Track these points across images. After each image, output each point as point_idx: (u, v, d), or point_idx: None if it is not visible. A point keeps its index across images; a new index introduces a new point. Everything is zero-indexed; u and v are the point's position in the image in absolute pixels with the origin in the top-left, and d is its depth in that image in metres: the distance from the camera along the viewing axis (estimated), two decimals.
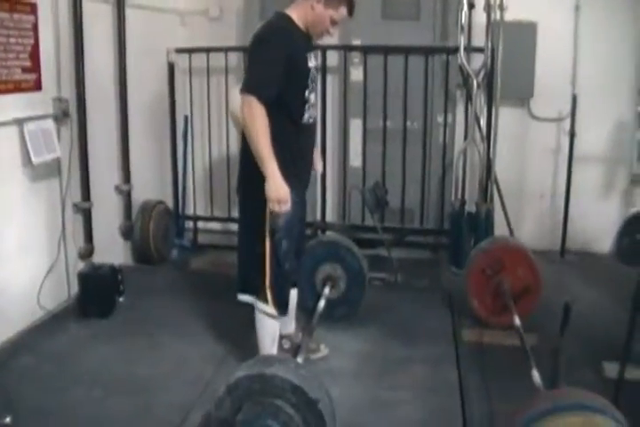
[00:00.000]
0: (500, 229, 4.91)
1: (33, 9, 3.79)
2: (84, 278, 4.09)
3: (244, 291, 3.28)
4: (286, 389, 2.41)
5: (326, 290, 3.77)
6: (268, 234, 3.11)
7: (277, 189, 2.94)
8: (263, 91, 2.96)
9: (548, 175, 5.45)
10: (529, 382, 2.84)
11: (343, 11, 3.19)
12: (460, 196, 5.05)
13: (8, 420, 2.42)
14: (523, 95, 5.34)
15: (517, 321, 3.44)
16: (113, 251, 4.76)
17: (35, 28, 3.82)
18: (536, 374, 2.90)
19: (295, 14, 3.16)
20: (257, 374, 2.46)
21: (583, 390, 2.46)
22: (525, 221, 5.34)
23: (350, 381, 3.36)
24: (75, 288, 4.18)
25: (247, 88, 2.96)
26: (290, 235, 3.16)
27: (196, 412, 2.97)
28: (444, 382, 3.34)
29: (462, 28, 4.82)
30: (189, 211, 5.61)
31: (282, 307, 3.23)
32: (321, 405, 2.40)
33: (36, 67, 3.86)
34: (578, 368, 3.37)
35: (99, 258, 4.44)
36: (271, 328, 3.29)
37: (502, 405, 3.00)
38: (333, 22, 3.20)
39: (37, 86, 3.89)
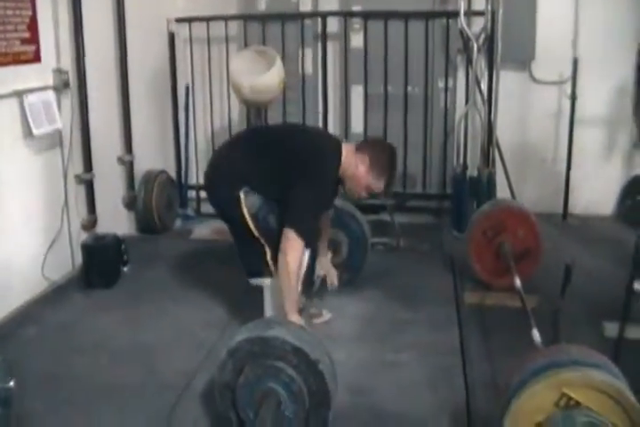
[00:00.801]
0: (502, 193, 4.92)
1: None
2: (87, 249, 4.11)
3: (252, 275, 3.36)
4: (287, 350, 2.43)
5: (329, 255, 3.78)
6: (249, 218, 3.21)
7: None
8: (310, 237, 3.15)
9: (549, 139, 5.42)
10: (529, 342, 2.87)
11: (380, 184, 3.30)
12: (461, 160, 5.06)
13: (12, 384, 2.44)
14: (524, 58, 5.29)
15: (518, 282, 3.46)
16: (116, 221, 4.78)
17: None
18: (536, 334, 2.92)
19: (347, 157, 3.24)
20: (257, 336, 2.48)
21: (581, 346, 2.48)
22: (527, 184, 5.32)
23: (354, 344, 3.39)
24: (79, 259, 4.21)
25: (300, 232, 3.05)
26: (271, 208, 3.24)
27: (200, 377, 3.01)
28: (447, 344, 3.37)
29: None
30: (192, 180, 5.62)
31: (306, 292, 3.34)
32: (321, 365, 2.42)
33: (34, 38, 3.84)
34: (579, 328, 3.39)
35: (102, 229, 4.46)
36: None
37: (503, 363, 3.02)
38: (368, 188, 3.30)
39: (36, 58, 3.88)
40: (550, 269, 3.80)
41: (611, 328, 3.32)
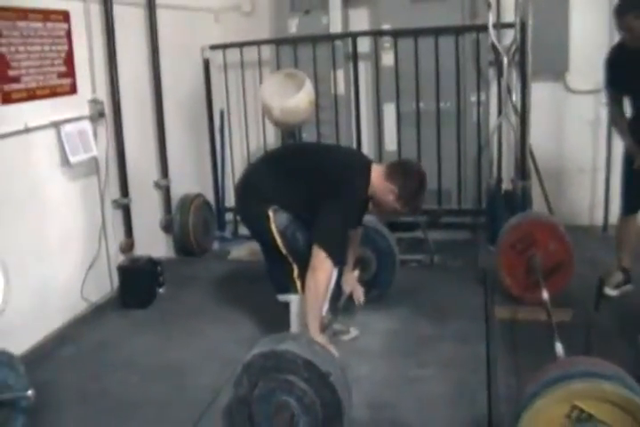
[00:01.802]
0: (538, 206, 4.84)
1: (65, 17, 3.93)
2: (123, 271, 4.22)
3: (279, 291, 3.41)
4: (298, 364, 2.46)
5: (356, 272, 3.78)
6: (278, 235, 3.25)
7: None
8: (339, 256, 3.19)
9: (587, 149, 5.33)
10: (554, 358, 2.80)
11: (407, 209, 3.34)
12: (496, 174, 5.02)
13: (30, 392, 2.54)
14: (557, 69, 5.25)
15: (545, 295, 3.39)
16: (154, 244, 4.89)
17: (68, 34, 3.95)
18: (559, 347, 2.87)
19: (375, 179, 3.28)
20: (269, 351, 2.53)
21: (598, 358, 2.43)
22: (565, 197, 5.24)
23: (378, 359, 3.39)
24: (117, 281, 4.32)
25: (329, 252, 3.08)
26: (299, 226, 3.28)
27: (225, 392, 3.00)
28: (472, 358, 3.33)
29: (490, 4, 4.79)
30: (229, 203, 5.71)
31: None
32: (333, 378, 2.44)
33: (70, 72, 4.00)
34: (613, 343, 3.32)
35: (141, 252, 4.56)
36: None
37: (528, 378, 2.97)
38: (393, 212, 3.34)
39: (73, 90, 4.03)
40: (587, 282, 3.74)
41: None
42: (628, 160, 3.97)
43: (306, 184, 3.29)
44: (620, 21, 3.62)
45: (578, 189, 5.37)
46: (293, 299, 3.33)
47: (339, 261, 3.21)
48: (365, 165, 3.37)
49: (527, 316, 3.73)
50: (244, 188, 3.50)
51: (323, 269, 3.08)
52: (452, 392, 3.03)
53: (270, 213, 3.25)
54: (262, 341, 2.65)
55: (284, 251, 3.28)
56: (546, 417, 2.16)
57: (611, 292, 4.00)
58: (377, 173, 3.29)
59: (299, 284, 3.28)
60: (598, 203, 5.22)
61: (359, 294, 3.72)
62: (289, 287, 3.32)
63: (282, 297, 3.40)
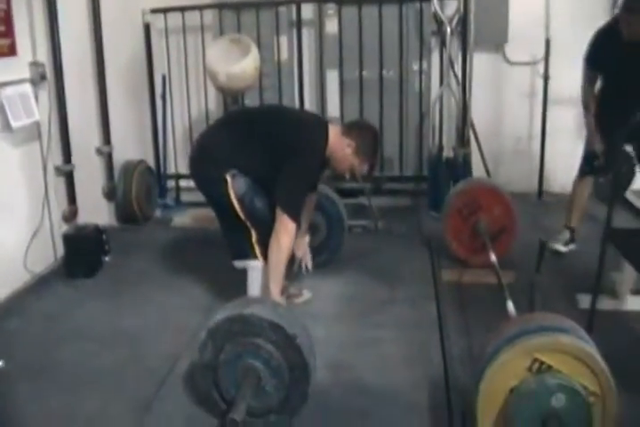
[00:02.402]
0: (478, 173, 5.00)
1: None
2: (68, 240, 4.15)
3: (237, 257, 3.39)
4: (264, 327, 2.47)
5: (307, 237, 3.81)
6: (236, 201, 3.24)
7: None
8: (299, 218, 3.24)
9: (524, 119, 5.49)
10: (506, 316, 2.93)
11: (365, 166, 3.40)
12: (437, 142, 5.12)
13: (1, 363, 2.49)
14: (497, 40, 5.36)
15: (494, 258, 3.53)
16: (97, 212, 4.80)
17: None
18: (510, 306, 3.00)
19: (333, 139, 3.31)
20: (235, 315, 2.53)
21: (550, 314, 2.55)
22: (503, 164, 5.40)
23: (334, 322, 3.45)
24: (61, 250, 4.24)
25: (292, 215, 3.14)
26: (257, 191, 3.28)
27: (184, 360, 3.04)
28: (425, 320, 3.43)
29: None
30: (171, 170, 5.65)
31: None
32: (299, 340, 2.47)
33: (9, 32, 3.84)
34: (554, 301, 3.46)
35: (83, 220, 4.49)
36: (258, 283, 3.35)
37: (480, 337, 3.06)
38: (351, 170, 3.38)
39: (12, 51, 3.87)
40: (527, 246, 3.88)
41: (584, 300, 3.42)
42: None
43: (264, 146, 3.28)
44: (632, 18, 3.67)
45: (515, 157, 5.52)
46: (252, 264, 3.32)
47: (299, 221, 3.25)
48: (322, 123, 3.42)
49: (473, 278, 3.87)
50: (199, 153, 3.45)
51: (286, 232, 3.12)
52: (407, 352, 3.12)
53: (228, 178, 3.23)
54: (226, 305, 2.65)
55: (242, 216, 3.26)
56: (508, 371, 2.24)
57: (561, 248, 4.23)
58: (334, 131, 3.34)
59: (258, 249, 3.28)
60: (534, 171, 5.38)
61: (307, 261, 3.75)
62: (247, 253, 3.31)
63: (239, 263, 3.38)
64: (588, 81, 4.05)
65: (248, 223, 3.27)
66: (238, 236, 3.32)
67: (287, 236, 3.12)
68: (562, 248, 4.22)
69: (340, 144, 3.30)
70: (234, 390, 2.53)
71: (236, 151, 3.29)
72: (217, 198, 3.34)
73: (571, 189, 4.33)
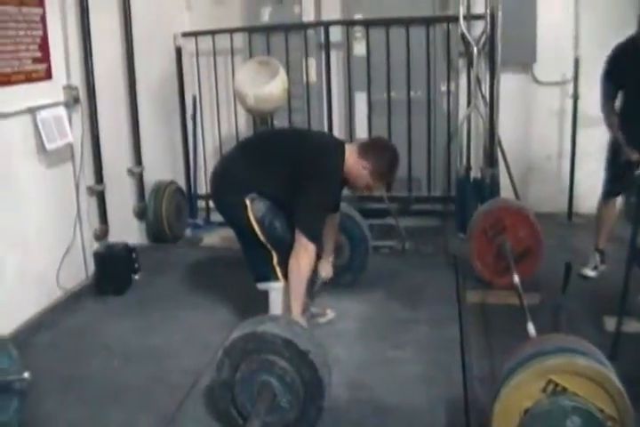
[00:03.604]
0: (506, 193, 4.96)
1: (40, 1, 3.89)
2: (99, 257, 4.23)
3: (259, 280, 3.44)
4: (277, 343, 2.52)
5: (331, 258, 3.84)
6: (255, 224, 3.29)
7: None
8: (320, 241, 3.30)
9: (553, 139, 5.46)
10: (527, 338, 2.91)
11: (381, 184, 3.46)
12: (465, 162, 5.13)
13: (26, 375, 2.55)
14: (525, 60, 5.37)
15: (517, 279, 3.51)
16: (128, 231, 4.89)
17: (43, 19, 3.92)
18: (531, 327, 2.99)
19: (349, 159, 3.36)
20: (249, 333, 2.58)
21: (568, 336, 2.54)
22: (532, 185, 5.37)
23: (355, 341, 3.47)
24: (92, 268, 4.33)
25: (311, 236, 3.18)
26: (276, 213, 3.32)
27: (206, 376, 3.06)
28: (446, 341, 3.43)
29: None
30: (201, 190, 5.72)
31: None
32: (312, 355, 2.50)
33: (45, 57, 3.97)
34: (579, 323, 3.45)
35: (114, 239, 4.58)
36: (279, 303, 3.40)
37: (501, 358, 3.05)
38: (369, 187, 3.45)
39: (48, 76, 4.01)
40: (554, 268, 3.87)
41: (611, 323, 3.37)
42: (613, 149, 4.11)
43: (282, 168, 3.32)
44: None
45: (544, 178, 5.49)
46: (273, 286, 3.37)
47: (319, 244, 3.28)
48: (339, 145, 3.45)
49: (497, 299, 3.86)
50: (219, 177, 3.50)
51: (306, 253, 3.15)
52: (428, 373, 3.13)
53: (247, 202, 3.29)
54: (242, 324, 2.71)
55: (262, 239, 3.31)
56: (523, 392, 2.25)
57: (590, 273, 4.20)
58: (350, 151, 3.37)
59: (279, 270, 3.33)
60: (563, 191, 5.35)
61: (328, 271, 3.76)
62: (269, 275, 3.36)
63: (261, 285, 3.43)
64: (609, 96, 4.03)
65: (268, 245, 3.31)
66: (259, 258, 3.37)
67: (307, 257, 3.16)
68: (590, 273, 4.20)
69: (356, 165, 3.34)
70: (250, 406, 2.57)
71: (255, 175, 3.34)
72: (237, 222, 3.40)
73: (597, 212, 4.29)
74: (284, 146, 3.47)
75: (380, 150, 3.43)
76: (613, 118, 4.03)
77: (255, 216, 3.28)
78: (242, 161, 3.46)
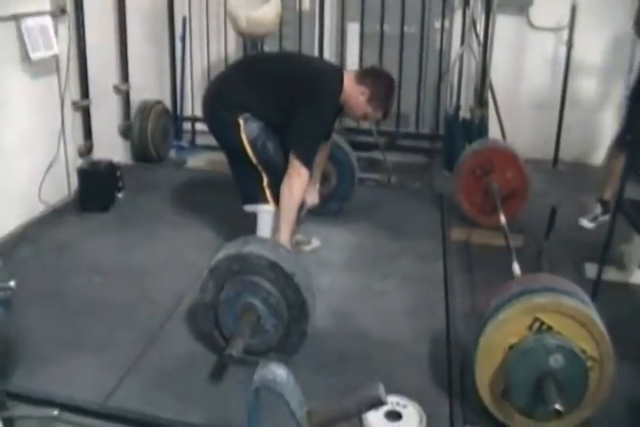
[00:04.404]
0: (494, 135, 4.96)
1: None
2: (83, 174, 4.18)
3: (247, 202, 3.41)
4: (263, 265, 2.52)
5: (317, 185, 3.83)
6: (247, 144, 3.26)
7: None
8: (312, 164, 3.23)
9: (544, 85, 5.40)
10: (511, 276, 2.95)
11: (379, 113, 3.40)
12: (455, 101, 5.11)
13: (12, 283, 2.52)
14: (522, 3, 5.26)
15: (503, 220, 3.54)
16: (112, 149, 4.80)
17: None
18: (516, 267, 3.02)
19: (347, 86, 3.30)
20: (234, 253, 2.58)
21: (557, 276, 2.59)
22: (520, 129, 5.34)
23: (340, 271, 3.51)
24: (75, 184, 4.28)
25: (305, 161, 3.16)
26: (269, 135, 3.29)
27: (190, 296, 3.09)
28: (431, 275, 3.49)
29: None
30: (187, 112, 5.64)
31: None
32: (297, 278, 2.52)
33: None
34: (561, 269, 3.44)
35: (99, 156, 4.52)
36: (268, 226, 3.38)
37: (484, 296, 3.11)
38: (366, 116, 3.39)
39: None
40: (537, 212, 3.90)
41: (591, 269, 3.45)
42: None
43: (278, 91, 3.29)
44: None
45: (532, 124, 5.48)
46: (262, 209, 3.35)
47: (311, 167, 3.26)
48: (337, 71, 3.43)
49: (482, 238, 3.90)
50: (213, 96, 3.44)
51: (299, 177, 3.15)
52: (412, 305, 3.19)
53: (241, 122, 3.24)
54: (227, 245, 2.70)
55: (253, 160, 3.28)
56: (509, 328, 2.30)
57: (587, 224, 4.17)
58: (349, 78, 3.35)
59: (268, 192, 3.31)
60: (550, 138, 5.35)
61: (314, 203, 3.74)
62: (257, 197, 3.34)
63: (249, 207, 3.40)
64: None
65: (259, 167, 3.29)
66: (249, 180, 3.34)
67: (300, 181, 3.15)
68: (588, 224, 4.17)
69: (354, 91, 3.31)
70: (233, 327, 2.58)
71: (251, 95, 3.29)
72: (229, 142, 3.36)
73: (605, 161, 4.23)
74: (282, 69, 3.43)
75: (377, 76, 3.42)
76: None
77: (248, 136, 3.25)
78: (237, 81, 3.41)
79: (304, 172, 3.15)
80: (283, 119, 3.22)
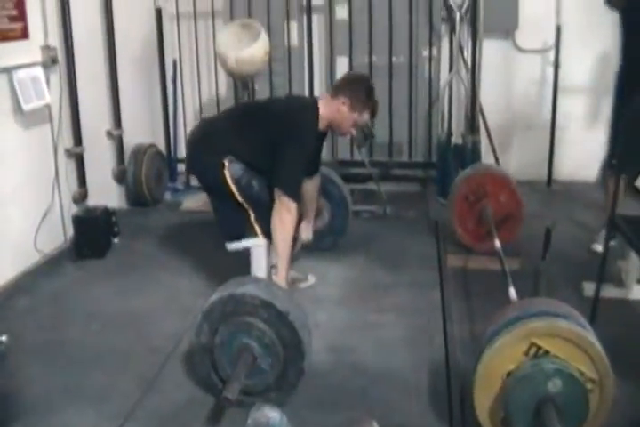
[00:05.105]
0: (487, 160, 4.99)
1: None
2: (78, 221, 4.19)
3: (232, 239, 3.38)
4: (256, 305, 2.50)
5: (311, 221, 3.82)
6: (232, 183, 3.27)
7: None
8: (299, 197, 3.26)
9: (534, 106, 5.46)
10: (508, 302, 2.92)
11: (366, 116, 3.41)
12: (446, 128, 5.13)
13: (4, 338, 2.52)
14: (507, 27, 5.32)
15: (498, 244, 3.53)
16: (107, 195, 4.82)
17: None
18: (512, 292, 3.00)
19: (324, 110, 3.36)
20: (228, 295, 2.56)
21: (551, 299, 2.57)
22: (512, 151, 5.39)
23: (337, 306, 3.49)
24: (70, 231, 4.28)
25: (291, 194, 3.17)
26: (253, 175, 3.31)
27: (187, 339, 3.04)
28: (428, 305, 3.46)
29: None
30: (181, 154, 5.67)
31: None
32: (291, 316, 2.50)
33: (22, 15, 3.87)
34: (559, 289, 3.47)
35: (93, 202, 4.53)
36: (263, 260, 3.37)
37: (482, 322, 3.09)
38: (355, 125, 3.41)
39: (24, 35, 3.91)
40: (533, 233, 3.87)
41: (590, 288, 3.40)
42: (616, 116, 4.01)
43: (260, 134, 3.32)
44: None
45: (524, 145, 5.51)
46: (254, 243, 3.32)
47: (299, 200, 3.27)
48: (311, 102, 3.46)
49: (478, 264, 3.89)
50: (198, 139, 3.49)
51: (288, 211, 3.15)
52: (409, 336, 3.15)
53: (226, 163, 3.27)
54: (221, 287, 2.68)
55: (239, 198, 3.28)
56: (506, 355, 2.27)
57: (598, 248, 4.06)
58: (324, 101, 3.40)
59: (257, 227, 3.30)
60: (543, 159, 5.37)
61: (308, 234, 3.76)
62: (244, 233, 3.33)
63: (234, 245, 3.38)
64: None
65: (245, 204, 3.28)
66: (234, 217, 3.33)
67: (289, 215, 3.16)
68: (599, 248, 4.06)
69: (333, 108, 3.35)
70: (230, 369, 2.56)
71: (235, 139, 3.34)
72: (212, 180, 3.37)
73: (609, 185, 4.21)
74: (261, 111, 3.49)
75: (352, 82, 3.47)
76: None
77: (232, 175, 3.27)
78: (219, 125, 3.49)
79: (292, 205, 3.16)
80: (268, 163, 3.25)
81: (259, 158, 3.31)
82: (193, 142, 3.53)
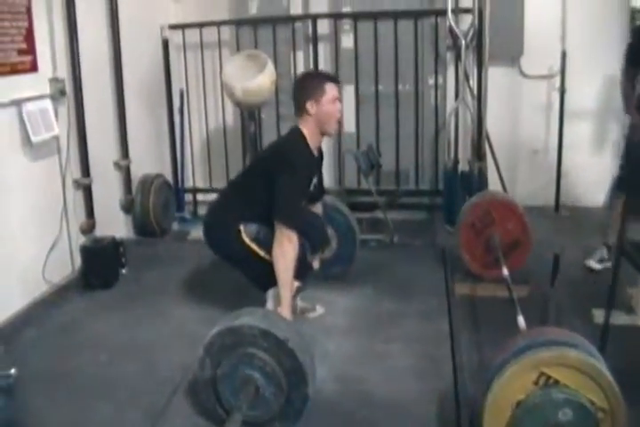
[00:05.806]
0: (494, 187, 4.98)
1: None
2: (86, 251, 4.21)
3: (269, 287, 3.39)
4: (255, 335, 2.51)
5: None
6: (253, 243, 3.35)
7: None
8: (298, 225, 3.24)
9: (540, 132, 5.48)
10: (518, 330, 2.90)
11: (329, 87, 3.37)
12: (452, 155, 5.13)
13: (13, 371, 2.51)
14: (512, 54, 5.36)
15: (506, 272, 3.51)
16: (115, 225, 4.85)
17: (28, 10, 3.86)
18: (521, 320, 2.97)
19: (306, 130, 3.40)
20: (226, 328, 2.58)
21: (560, 329, 2.55)
22: (519, 178, 5.39)
23: (345, 335, 3.47)
24: (78, 262, 4.29)
25: (289, 224, 3.20)
26: (268, 228, 3.31)
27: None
28: (436, 334, 3.43)
29: None
30: (189, 183, 5.71)
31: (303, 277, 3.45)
32: (291, 343, 2.49)
33: (31, 49, 3.92)
34: (568, 316, 3.46)
35: (101, 232, 4.53)
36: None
37: (491, 351, 3.06)
38: (334, 100, 3.37)
39: (33, 68, 3.95)
40: (542, 260, 3.88)
41: (599, 315, 3.37)
42: (629, 141, 4.04)
43: (258, 180, 3.39)
44: None
45: (531, 171, 5.51)
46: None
47: (299, 227, 3.27)
48: (293, 130, 3.46)
49: (486, 292, 3.86)
50: (211, 222, 3.57)
51: (289, 240, 3.18)
52: (417, 366, 3.13)
53: (241, 228, 3.35)
54: (220, 320, 2.69)
55: (262, 254, 3.32)
56: (515, 385, 2.25)
57: (595, 265, 4.16)
58: (301, 122, 3.40)
59: None
60: (551, 184, 5.36)
61: (316, 264, 3.74)
62: (272, 281, 3.32)
63: (271, 292, 3.42)
64: (628, 78, 3.99)
65: (267, 257, 3.30)
66: (262, 271, 3.33)
67: (290, 243, 3.18)
68: (595, 265, 4.16)
69: (312, 119, 3.36)
70: (234, 401, 2.56)
71: (243, 205, 3.43)
72: (233, 250, 3.43)
73: (607, 204, 4.24)
74: (254, 164, 3.65)
75: (294, 90, 3.48)
76: (631, 96, 3.97)
77: (249, 236, 3.35)
78: (227, 195, 3.61)
79: (292, 234, 3.19)
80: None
81: (268, 211, 3.31)
82: (207, 229, 3.58)
